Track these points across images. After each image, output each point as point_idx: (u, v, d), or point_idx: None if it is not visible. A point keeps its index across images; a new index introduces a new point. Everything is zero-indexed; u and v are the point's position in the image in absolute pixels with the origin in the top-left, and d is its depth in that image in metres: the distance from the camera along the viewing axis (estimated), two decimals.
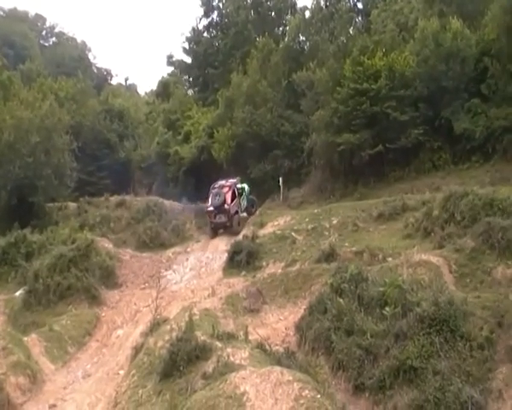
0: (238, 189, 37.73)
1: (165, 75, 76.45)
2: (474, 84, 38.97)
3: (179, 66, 72.50)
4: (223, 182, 37.65)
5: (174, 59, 73.62)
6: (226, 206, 35.93)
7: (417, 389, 17.94)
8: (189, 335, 20.86)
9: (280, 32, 63.64)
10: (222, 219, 36.10)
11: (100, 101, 67.62)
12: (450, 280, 22.93)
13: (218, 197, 36.26)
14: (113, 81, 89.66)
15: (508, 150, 36.22)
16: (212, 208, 36.39)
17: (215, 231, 36.50)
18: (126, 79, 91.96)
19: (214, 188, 36.80)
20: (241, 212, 37.53)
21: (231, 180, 38.06)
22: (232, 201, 36.36)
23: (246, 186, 38.82)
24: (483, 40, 40.38)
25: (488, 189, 28.45)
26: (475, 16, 42.64)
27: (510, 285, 21.57)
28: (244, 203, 37.99)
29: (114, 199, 43.21)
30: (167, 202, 39.63)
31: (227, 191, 36.62)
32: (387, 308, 20.75)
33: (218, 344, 20.59)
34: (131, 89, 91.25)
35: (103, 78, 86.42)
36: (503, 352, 19.12)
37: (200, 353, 20.19)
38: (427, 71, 40.03)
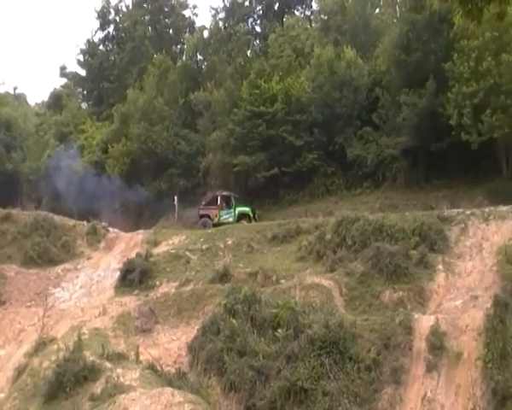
0: (225, 201, 39.30)
1: (58, 87, 74.20)
2: (366, 113, 40.48)
3: (73, 78, 70.70)
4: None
5: (67, 70, 71.74)
6: (201, 206, 40.02)
7: None
8: (77, 355, 20.37)
9: (178, 50, 63.52)
10: None
11: None
12: (341, 303, 23.54)
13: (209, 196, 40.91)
14: (0, 89, 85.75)
15: (397, 178, 37.82)
16: None
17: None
18: (15, 88, 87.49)
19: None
20: (217, 220, 38.30)
21: (225, 192, 40.33)
22: (209, 205, 39.54)
23: (244, 208, 39.25)
24: (375, 71, 42.10)
25: (378, 215, 29.51)
26: (368, 47, 44.40)
27: (396, 309, 22.40)
28: (225, 217, 38.59)
29: None
30: (58, 218, 38.16)
31: (218, 196, 39.66)
32: (280, 330, 21.08)
33: (108, 365, 20.19)
34: (20, 98, 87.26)
35: None
36: (389, 373, 19.87)
37: (89, 374, 19.75)
38: (322, 97, 41.13)
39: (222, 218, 38.48)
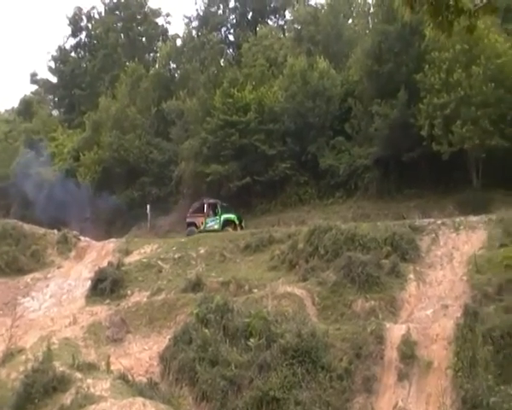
0: (212, 208, 38.62)
1: (28, 93, 73.44)
2: (338, 123, 40.71)
3: (44, 85, 70.08)
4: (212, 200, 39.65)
5: (38, 77, 71.04)
6: (188, 214, 39.53)
7: None
8: (47, 365, 20.10)
9: (150, 59, 63.32)
10: None
11: None
12: (313, 312, 23.58)
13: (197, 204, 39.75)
14: None
15: (369, 188, 38.03)
16: None
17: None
18: None
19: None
20: (203, 228, 37.81)
21: (212, 200, 39.42)
22: (196, 213, 38.92)
23: (229, 215, 38.64)
24: (347, 81, 42.40)
25: (350, 224, 29.60)
26: (341, 58, 44.73)
27: (368, 318, 22.50)
28: (211, 224, 38.09)
29: None
30: (27, 226, 37.67)
31: (205, 203, 38.75)
32: (252, 339, 21.06)
33: (78, 375, 19.96)
34: None
35: None
36: (360, 382, 19.97)
37: (58, 384, 19.51)
38: (295, 107, 41.28)
39: (207, 225, 38.08)
